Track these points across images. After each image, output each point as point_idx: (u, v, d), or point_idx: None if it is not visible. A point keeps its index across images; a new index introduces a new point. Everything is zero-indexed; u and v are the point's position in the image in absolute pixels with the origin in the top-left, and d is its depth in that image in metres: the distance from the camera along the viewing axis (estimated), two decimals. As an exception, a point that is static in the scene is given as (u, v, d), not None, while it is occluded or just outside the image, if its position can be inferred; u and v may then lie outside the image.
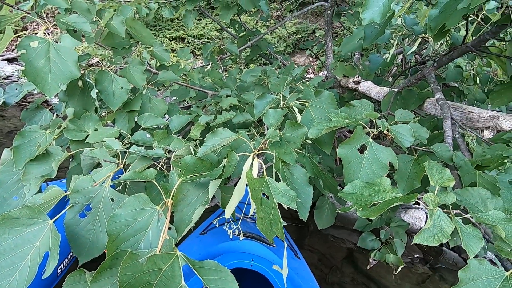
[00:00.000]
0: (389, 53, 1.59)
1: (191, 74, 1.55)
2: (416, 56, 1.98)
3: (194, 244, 1.81)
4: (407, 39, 1.75)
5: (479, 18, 1.21)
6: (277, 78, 1.40)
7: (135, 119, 1.24)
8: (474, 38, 1.16)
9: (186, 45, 6.90)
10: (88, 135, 1.05)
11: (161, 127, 1.22)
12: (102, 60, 2.81)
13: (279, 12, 7.31)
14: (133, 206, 0.63)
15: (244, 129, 1.16)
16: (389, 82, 2.06)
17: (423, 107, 1.53)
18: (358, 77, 2.32)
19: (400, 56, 2.22)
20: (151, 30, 6.89)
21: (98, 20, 1.39)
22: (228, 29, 3.28)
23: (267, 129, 0.92)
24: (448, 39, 1.42)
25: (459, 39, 1.38)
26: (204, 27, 6.98)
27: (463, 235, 0.59)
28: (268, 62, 3.46)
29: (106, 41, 1.38)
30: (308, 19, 7.04)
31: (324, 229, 1.91)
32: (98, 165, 0.91)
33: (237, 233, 1.12)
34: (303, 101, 1.13)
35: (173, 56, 6.51)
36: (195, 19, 2.83)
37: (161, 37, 6.82)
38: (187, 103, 2.18)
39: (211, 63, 2.21)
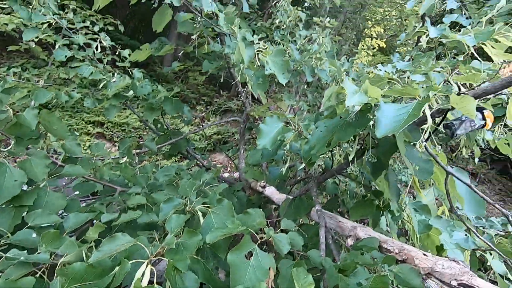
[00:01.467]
0: (284, 167, 1.96)
1: (101, 169, 1.56)
2: (305, 171, 2.47)
3: None
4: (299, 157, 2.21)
5: (341, 151, 1.68)
6: (187, 181, 1.53)
7: (23, 215, 1.14)
8: (337, 166, 1.58)
9: (104, 130, 6.72)
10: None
11: (54, 225, 1.14)
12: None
13: (204, 113, 8.10)
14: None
15: (147, 231, 1.18)
16: (287, 190, 2.42)
17: (310, 215, 1.83)
18: (264, 182, 2.65)
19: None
20: (66, 111, 6.60)
21: (8, 109, 1.37)
22: (151, 125, 3.46)
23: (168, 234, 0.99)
24: (323, 163, 1.88)
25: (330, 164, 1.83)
26: (128, 116, 7.07)
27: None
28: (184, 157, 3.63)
29: (11, 131, 1.34)
30: (229, 123, 7.93)
31: None
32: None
33: None
34: (207, 207, 1.26)
35: (87, 140, 6.19)
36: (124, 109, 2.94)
37: (77, 119, 6.55)
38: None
39: (126, 157, 2.24)
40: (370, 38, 9.02)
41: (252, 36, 1.35)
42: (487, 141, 2.23)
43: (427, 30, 2.04)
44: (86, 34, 3.31)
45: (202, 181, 1.59)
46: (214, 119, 7.65)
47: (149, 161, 5.35)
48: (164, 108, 2.44)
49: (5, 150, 1.32)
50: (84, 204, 1.68)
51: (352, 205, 1.50)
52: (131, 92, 2.59)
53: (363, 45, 8.64)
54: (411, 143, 1.03)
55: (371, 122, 0.92)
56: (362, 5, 6.74)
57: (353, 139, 1.25)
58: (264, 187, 2.59)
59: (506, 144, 2.06)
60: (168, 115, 2.66)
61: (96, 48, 3.11)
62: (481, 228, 1.70)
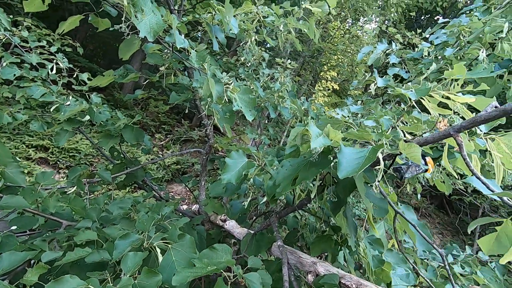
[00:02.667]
0: (246, 201, 1.96)
1: (47, 201, 1.40)
2: (266, 204, 2.49)
3: None
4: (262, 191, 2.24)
5: (302, 186, 1.75)
6: (145, 215, 1.45)
7: None
8: (298, 201, 1.64)
9: (48, 156, 6.12)
10: None
11: (-18, 267, 0.98)
12: None
13: (163, 142, 7.86)
14: None
15: (97, 272, 1.07)
16: (248, 224, 2.40)
17: (271, 250, 1.82)
18: (225, 216, 2.59)
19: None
20: (4, 133, 5.94)
21: None
22: (106, 152, 3.26)
23: (124, 274, 0.91)
24: (284, 198, 1.93)
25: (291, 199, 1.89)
26: (78, 141, 6.57)
27: None
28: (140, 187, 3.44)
29: None
30: (190, 154, 7.77)
31: None
32: None
33: None
34: (167, 242, 1.20)
35: (27, 165, 5.58)
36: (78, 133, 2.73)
37: (17, 142, 5.90)
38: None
39: (75, 186, 2.06)
40: (325, 81, 9.86)
41: (222, 73, 1.41)
42: (426, 179, 2.51)
43: (375, 79, 2.32)
44: (41, 54, 3.14)
45: (162, 215, 1.52)
46: (174, 149, 7.46)
47: (100, 191, 4.94)
48: (124, 135, 2.34)
49: None
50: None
51: (312, 240, 1.54)
52: (87, 117, 2.46)
53: (320, 86, 9.39)
54: (368, 184, 1.12)
55: (332, 163, 0.99)
56: (319, 52, 7.44)
57: (315, 177, 1.32)
58: (224, 220, 2.54)
59: (442, 182, 2.34)
60: (124, 143, 2.54)
61: (52, 69, 2.95)
62: (425, 260, 1.84)
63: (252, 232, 1.99)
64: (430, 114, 1.17)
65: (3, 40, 2.87)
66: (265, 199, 2.09)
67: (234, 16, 2.23)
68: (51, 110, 2.64)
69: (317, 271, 1.40)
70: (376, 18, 7.66)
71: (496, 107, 0.72)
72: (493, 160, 1.00)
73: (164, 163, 6.58)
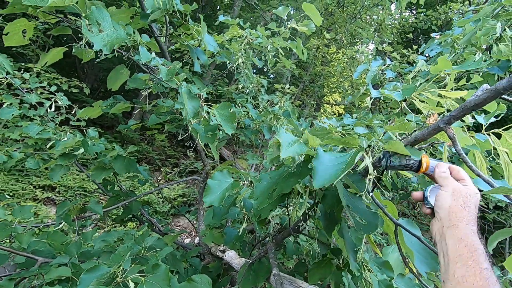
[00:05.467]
0: (241, 227, 1.82)
1: (20, 236, 1.31)
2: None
3: None
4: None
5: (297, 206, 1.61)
6: (125, 246, 1.33)
7: None
8: (292, 224, 1.49)
9: (56, 195, 6.13)
10: None
11: None
12: None
13: (168, 175, 7.82)
14: None
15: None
16: (248, 253, 2.22)
17: (270, 279, 1.64)
18: (224, 246, 2.42)
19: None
20: (13, 175, 6.04)
21: None
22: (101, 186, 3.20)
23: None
24: (279, 221, 1.78)
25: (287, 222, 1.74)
26: (84, 179, 6.59)
27: None
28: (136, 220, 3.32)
29: None
30: (195, 185, 7.66)
31: None
32: None
33: None
34: (141, 275, 1.07)
35: (34, 205, 5.57)
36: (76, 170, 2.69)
37: (24, 183, 5.96)
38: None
39: (63, 222, 1.97)
40: (329, 105, 9.87)
41: (203, 92, 1.36)
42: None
43: (370, 92, 2.25)
44: (41, 93, 3.23)
45: (144, 246, 1.39)
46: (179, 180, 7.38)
47: (101, 227, 4.83)
48: (114, 166, 2.28)
49: None
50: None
51: (310, 266, 1.37)
52: (81, 150, 2.43)
53: (323, 111, 9.38)
54: (357, 195, 0.99)
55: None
56: (319, 76, 7.53)
57: (303, 192, 1.20)
58: (223, 251, 2.37)
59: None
60: (122, 176, 2.49)
61: (50, 106, 3.01)
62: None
63: (250, 261, 1.82)
64: (422, 114, 1.06)
65: (5, 83, 2.99)
66: (271, 227, 1.95)
67: (221, 40, 2.25)
68: (47, 146, 2.64)
69: (316, 303, 1.22)
70: (372, 41, 7.80)
71: (487, 89, 0.62)
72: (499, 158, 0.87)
73: (166, 197, 6.48)
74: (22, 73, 3.27)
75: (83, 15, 0.92)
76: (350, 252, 1.15)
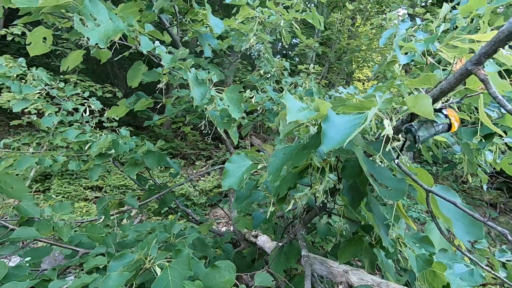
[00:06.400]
0: (268, 211, 1.79)
1: (61, 230, 1.41)
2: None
3: None
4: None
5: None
6: (153, 234, 1.37)
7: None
8: (318, 203, 1.42)
9: (103, 194, 6.63)
10: None
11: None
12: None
13: (203, 168, 8.05)
14: None
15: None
16: (279, 237, 2.19)
17: (301, 261, 1.60)
18: (256, 231, 2.42)
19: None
20: (65, 178, 6.61)
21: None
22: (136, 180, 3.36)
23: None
24: (306, 202, 1.71)
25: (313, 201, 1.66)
26: (126, 178, 7.02)
27: None
28: (174, 212, 3.45)
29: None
30: (229, 175, 7.78)
31: None
32: None
33: None
34: (168, 261, 1.09)
35: (84, 205, 6.07)
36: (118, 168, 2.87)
37: (75, 185, 6.51)
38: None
39: (103, 217, 2.10)
40: (360, 82, 9.35)
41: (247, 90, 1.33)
42: (489, 164, 2.06)
43: (397, 58, 2.05)
44: (76, 100, 3.44)
45: (172, 233, 1.42)
46: (214, 172, 7.56)
47: (142, 220, 5.13)
48: (146, 161, 2.37)
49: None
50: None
51: (341, 245, 1.30)
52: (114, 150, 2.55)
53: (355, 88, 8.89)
54: (381, 162, 0.90)
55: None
56: (345, 52, 7.13)
57: (325, 166, 1.13)
58: (256, 236, 2.37)
59: (510, 164, 1.89)
60: (155, 170, 2.58)
61: (85, 111, 3.20)
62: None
63: (280, 244, 1.80)
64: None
65: (44, 94, 3.23)
66: (289, 207, 1.90)
67: (230, 24, 2.19)
68: (85, 148, 2.82)
69: (349, 281, 1.16)
70: (402, 5, 7.17)
71: (524, 15, 0.50)
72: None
73: (205, 189, 6.67)
74: (58, 83, 3.51)
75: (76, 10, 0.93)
76: (380, 227, 1.06)
